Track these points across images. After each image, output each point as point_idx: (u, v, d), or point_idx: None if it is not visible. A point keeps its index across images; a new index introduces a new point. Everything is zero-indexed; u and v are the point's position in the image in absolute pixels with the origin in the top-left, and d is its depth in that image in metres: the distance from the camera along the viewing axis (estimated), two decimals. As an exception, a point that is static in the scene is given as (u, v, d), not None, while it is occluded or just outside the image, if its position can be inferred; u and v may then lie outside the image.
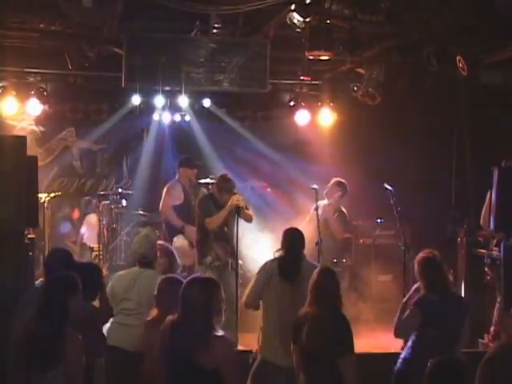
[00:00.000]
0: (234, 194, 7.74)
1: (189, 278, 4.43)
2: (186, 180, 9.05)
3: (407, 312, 5.42)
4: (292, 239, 5.83)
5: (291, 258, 5.74)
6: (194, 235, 8.11)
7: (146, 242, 6.05)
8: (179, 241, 8.63)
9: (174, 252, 6.44)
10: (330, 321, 4.85)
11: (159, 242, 6.69)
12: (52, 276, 4.50)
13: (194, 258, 7.94)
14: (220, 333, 4.17)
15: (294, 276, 5.63)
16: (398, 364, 5.41)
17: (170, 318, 4.32)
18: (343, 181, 8.82)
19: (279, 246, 5.96)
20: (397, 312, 5.55)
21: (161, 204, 9.00)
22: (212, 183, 8.68)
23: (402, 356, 5.42)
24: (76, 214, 11.21)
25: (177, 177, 9.10)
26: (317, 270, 5.13)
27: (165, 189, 9.04)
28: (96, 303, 5.31)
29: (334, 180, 8.84)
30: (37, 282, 5.49)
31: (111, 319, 5.64)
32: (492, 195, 7.14)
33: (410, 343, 5.42)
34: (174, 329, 4.22)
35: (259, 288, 5.77)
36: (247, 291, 5.91)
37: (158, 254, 6.08)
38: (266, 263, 5.90)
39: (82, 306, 4.48)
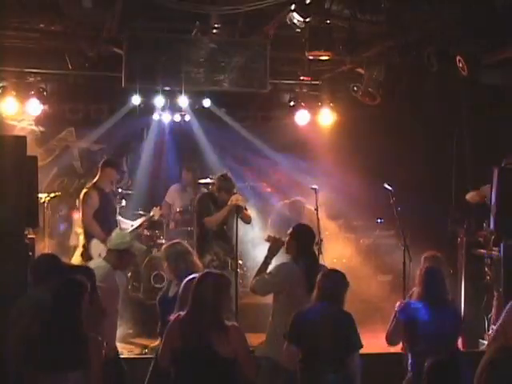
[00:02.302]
0: (234, 193, 7.75)
1: (201, 274, 4.46)
2: (107, 181, 8.35)
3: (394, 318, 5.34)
4: (304, 242, 5.53)
5: (313, 267, 5.41)
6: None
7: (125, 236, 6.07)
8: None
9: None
10: (337, 319, 4.85)
11: None
12: (65, 280, 4.53)
13: None
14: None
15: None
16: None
17: (174, 317, 4.37)
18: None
19: None
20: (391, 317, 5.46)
21: (81, 215, 8.23)
22: (212, 183, 8.67)
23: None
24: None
25: (96, 178, 8.37)
26: (322, 271, 5.12)
27: (81, 196, 8.33)
28: None
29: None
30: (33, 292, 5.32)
31: None
32: (492, 195, 7.15)
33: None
34: (184, 324, 4.26)
35: (275, 288, 5.52)
36: (262, 281, 5.59)
37: None
38: (285, 266, 5.59)
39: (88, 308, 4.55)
